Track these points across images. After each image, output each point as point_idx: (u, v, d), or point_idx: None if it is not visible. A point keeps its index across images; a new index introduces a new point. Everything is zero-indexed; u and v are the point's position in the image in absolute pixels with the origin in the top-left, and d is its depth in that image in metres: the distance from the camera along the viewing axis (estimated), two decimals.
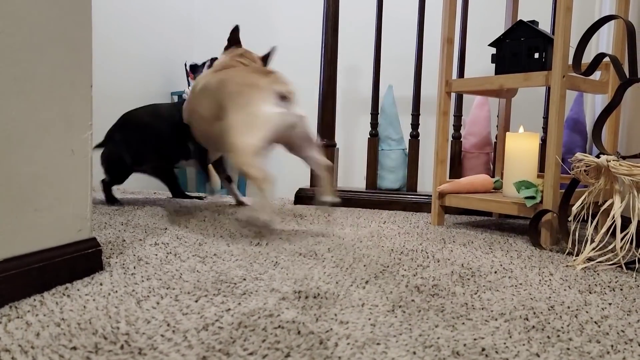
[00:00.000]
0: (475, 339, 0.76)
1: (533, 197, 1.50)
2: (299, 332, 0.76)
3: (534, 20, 1.65)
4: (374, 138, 2.30)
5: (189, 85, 3.00)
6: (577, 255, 1.31)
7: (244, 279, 1.03)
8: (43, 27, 0.91)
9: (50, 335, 0.74)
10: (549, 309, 0.91)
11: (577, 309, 0.91)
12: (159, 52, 3.09)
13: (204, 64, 2.64)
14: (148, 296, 0.91)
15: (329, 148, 2.32)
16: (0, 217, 0.85)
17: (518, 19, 1.68)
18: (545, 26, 1.96)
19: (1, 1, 0.83)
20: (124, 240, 1.37)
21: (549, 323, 0.84)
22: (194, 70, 2.78)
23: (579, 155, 1.34)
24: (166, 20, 3.13)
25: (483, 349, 0.72)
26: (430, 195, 1.85)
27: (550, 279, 1.11)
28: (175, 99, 3.18)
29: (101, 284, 0.97)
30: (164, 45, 3.13)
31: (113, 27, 2.72)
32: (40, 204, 0.93)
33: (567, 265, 1.24)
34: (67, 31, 0.96)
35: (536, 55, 1.58)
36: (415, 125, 2.24)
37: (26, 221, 0.90)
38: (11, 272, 0.86)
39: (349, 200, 2.23)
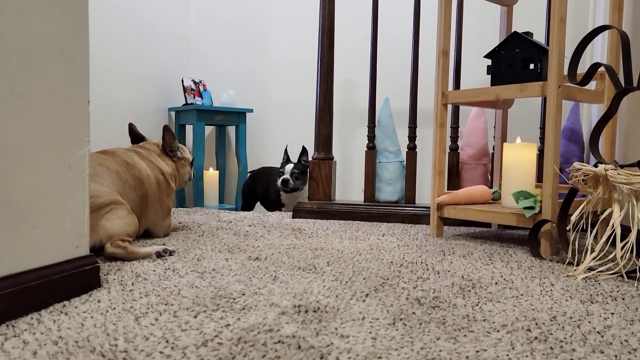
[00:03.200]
0: (477, 351, 0.75)
1: (532, 207, 1.50)
2: (299, 347, 0.75)
3: (528, 32, 1.67)
4: (371, 151, 2.30)
5: (186, 101, 3.01)
6: (578, 265, 1.30)
7: (243, 294, 1.02)
8: (40, 45, 0.92)
9: (48, 354, 0.73)
10: (551, 320, 0.90)
11: (579, 319, 0.90)
12: (155, 69, 3.11)
13: None
14: (146, 312, 0.90)
15: (327, 161, 2.32)
16: None
17: (512, 31, 1.70)
18: (539, 37, 1.97)
19: None
20: None
21: (552, 334, 0.83)
22: None
23: (576, 164, 1.34)
24: (163, 38, 3.15)
25: None
26: (429, 207, 1.85)
27: (551, 290, 1.10)
28: (173, 115, 3.18)
29: (99, 301, 0.96)
30: (161, 63, 3.15)
31: (111, 45, 2.73)
32: (38, 221, 0.92)
33: (568, 275, 1.23)
34: (65, 48, 0.97)
35: (531, 66, 1.59)
36: (412, 137, 2.25)
37: (23, 238, 0.90)
38: (8, 290, 0.86)
39: (348, 213, 2.23)
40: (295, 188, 2.73)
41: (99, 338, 0.78)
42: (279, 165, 2.85)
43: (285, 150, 2.85)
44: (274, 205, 2.87)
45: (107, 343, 0.76)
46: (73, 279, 0.99)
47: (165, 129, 1.79)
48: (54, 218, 0.96)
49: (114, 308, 0.93)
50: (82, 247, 1.03)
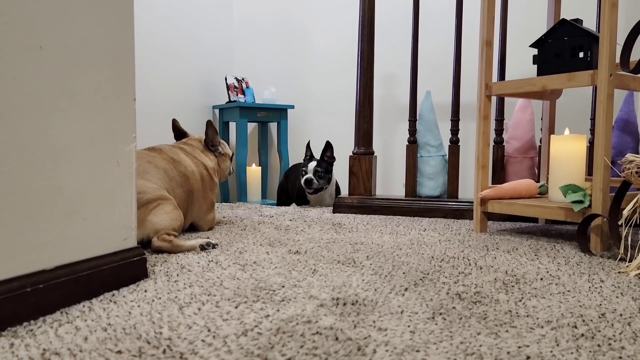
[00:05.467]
0: (519, 347, 0.73)
1: (581, 202, 1.44)
2: (336, 339, 0.76)
3: (577, 19, 1.60)
4: (413, 145, 2.27)
5: (229, 98, 3.07)
6: (630, 261, 1.25)
7: (283, 286, 1.03)
8: (89, 46, 0.96)
9: (98, 340, 0.76)
10: (599, 317, 0.86)
11: (630, 317, 0.86)
12: (200, 68, 3.18)
13: None
14: (190, 302, 0.93)
15: (367, 156, 2.31)
16: (51, 226, 0.89)
17: (561, 18, 1.63)
18: (589, 24, 1.89)
19: (49, 21, 0.88)
20: None
21: (600, 331, 0.80)
22: None
23: (629, 156, 1.28)
24: (207, 38, 3.22)
25: (528, 357, 0.70)
26: (472, 202, 1.81)
27: (600, 286, 1.06)
28: (217, 112, 3.25)
29: (146, 291, 1.00)
30: (205, 62, 3.22)
31: (157, 45, 2.82)
32: (88, 214, 0.97)
33: (619, 272, 1.18)
34: (111, 48, 1.01)
35: (581, 55, 1.53)
36: (455, 130, 2.20)
37: (75, 230, 0.94)
38: (62, 279, 0.90)
39: (388, 208, 2.21)
40: (319, 188, 2.58)
41: (145, 326, 0.82)
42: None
43: (308, 146, 2.69)
44: (300, 200, 2.74)
45: (152, 331, 0.80)
46: (121, 270, 1.03)
47: (208, 124, 1.83)
48: (103, 211, 1.00)
49: (160, 298, 0.96)
50: (130, 239, 1.07)
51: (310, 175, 2.55)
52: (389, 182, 3.01)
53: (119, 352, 0.72)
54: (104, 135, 1.00)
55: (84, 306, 0.91)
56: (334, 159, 2.64)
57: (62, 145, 0.91)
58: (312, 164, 2.57)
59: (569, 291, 1.02)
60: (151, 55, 2.77)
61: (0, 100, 0.81)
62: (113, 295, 0.98)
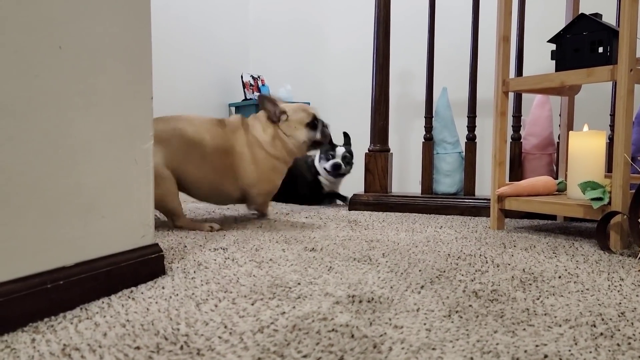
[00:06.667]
0: (537, 346, 0.73)
1: (600, 199, 1.42)
2: (352, 336, 0.76)
3: (596, 13, 1.57)
4: (429, 142, 2.26)
5: (245, 96, 3.09)
6: None
7: (299, 284, 1.04)
8: (106, 45, 0.97)
9: (116, 336, 0.77)
10: (619, 316, 0.85)
11: None
12: (216, 65, 3.20)
13: None
14: (207, 299, 0.94)
15: (383, 153, 2.30)
16: (70, 223, 0.91)
17: (579, 13, 1.61)
18: (609, 19, 1.86)
19: (68, 22, 0.90)
20: (185, 246, 1.43)
21: (619, 330, 0.79)
22: None
23: None
24: (223, 37, 3.24)
25: (545, 356, 0.69)
26: (489, 199, 1.79)
27: (620, 284, 1.04)
28: (233, 110, 3.27)
29: (163, 288, 1.01)
30: (221, 59, 3.24)
31: (173, 43, 2.85)
32: (107, 211, 0.98)
33: (639, 270, 1.16)
34: (129, 47, 1.02)
35: (600, 50, 1.50)
36: (471, 127, 2.18)
37: (94, 227, 0.96)
38: (81, 275, 0.92)
39: (404, 205, 2.20)
40: (343, 174, 2.47)
41: (162, 322, 0.83)
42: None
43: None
44: (314, 195, 2.54)
45: (169, 327, 0.81)
46: (139, 267, 1.05)
47: (260, 98, 1.87)
48: (122, 209, 1.02)
49: (177, 294, 0.97)
50: (147, 236, 1.08)
51: (338, 160, 2.45)
52: (405, 179, 3.00)
53: (137, 347, 0.73)
54: (122, 133, 1.01)
55: (102, 302, 0.93)
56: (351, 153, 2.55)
57: (81, 144, 0.92)
58: (341, 149, 2.47)
59: (587, 289, 1.01)
60: (168, 54, 2.80)
61: (23, 99, 0.82)
62: (131, 291, 0.99)
